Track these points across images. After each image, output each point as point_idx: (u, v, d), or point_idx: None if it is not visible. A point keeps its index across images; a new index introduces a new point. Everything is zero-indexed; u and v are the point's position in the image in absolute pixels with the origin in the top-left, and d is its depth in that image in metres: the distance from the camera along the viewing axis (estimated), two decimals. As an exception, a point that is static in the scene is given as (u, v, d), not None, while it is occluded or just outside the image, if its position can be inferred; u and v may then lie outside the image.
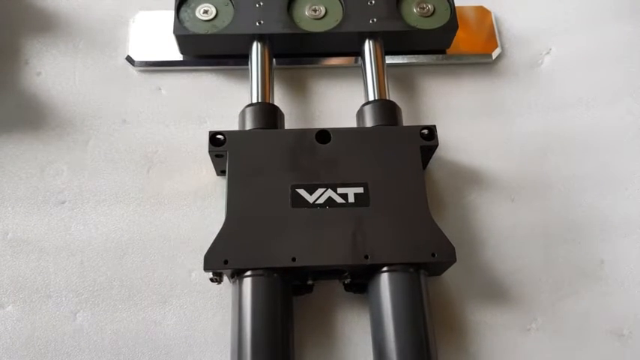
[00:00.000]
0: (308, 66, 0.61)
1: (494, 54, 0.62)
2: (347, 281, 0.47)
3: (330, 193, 0.47)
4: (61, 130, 0.57)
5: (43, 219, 0.52)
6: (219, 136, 0.50)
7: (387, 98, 0.54)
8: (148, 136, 0.57)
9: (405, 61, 0.61)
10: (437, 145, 0.50)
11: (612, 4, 0.66)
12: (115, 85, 0.60)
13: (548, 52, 0.63)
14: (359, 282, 0.48)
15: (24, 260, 0.51)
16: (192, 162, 0.55)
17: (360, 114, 0.54)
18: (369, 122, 0.52)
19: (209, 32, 0.56)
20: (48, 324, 0.48)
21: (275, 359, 0.42)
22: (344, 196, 0.47)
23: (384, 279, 0.45)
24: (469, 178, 0.56)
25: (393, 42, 0.58)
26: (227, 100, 0.59)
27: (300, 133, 0.51)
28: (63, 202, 0.53)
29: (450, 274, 0.50)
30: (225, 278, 0.48)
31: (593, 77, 0.62)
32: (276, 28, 0.56)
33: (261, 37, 0.57)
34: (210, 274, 0.45)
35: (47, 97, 0.59)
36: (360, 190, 0.48)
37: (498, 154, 0.57)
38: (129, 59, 0.60)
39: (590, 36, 0.64)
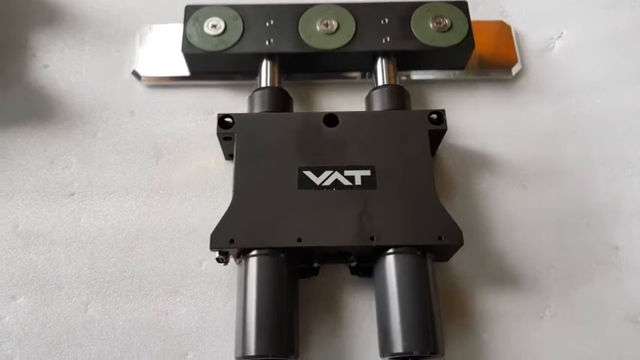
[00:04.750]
0: (318, 82, 0.60)
1: (513, 70, 0.60)
2: (353, 264, 0.47)
3: (337, 175, 0.47)
4: (69, 122, 0.57)
5: (52, 211, 0.53)
6: (227, 119, 0.50)
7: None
8: (156, 127, 0.57)
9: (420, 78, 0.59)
10: (445, 130, 0.50)
11: (625, -13, 0.65)
12: (123, 77, 0.59)
13: (560, 36, 0.63)
14: (365, 265, 0.48)
15: (35, 252, 0.51)
16: (201, 152, 0.55)
17: (368, 98, 0.54)
18: (377, 107, 0.52)
19: (218, 48, 0.55)
20: (60, 315, 0.48)
21: (279, 338, 0.42)
22: (351, 178, 0.47)
23: (390, 261, 0.45)
24: (480, 165, 0.55)
25: (406, 60, 0.56)
26: (235, 90, 0.58)
27: (308, 116, 0.51)
28: (72, 194, 0.53)
29: (463, 262, 0.50)
30: (232, 262, 0.48)
31: (606, 61, 0.61)
32: (287, 47, 0.55)
33: (270, 56, 0.56)
34: (217, 254, 0.45)
35: (55, 89, 0.59)
36: (367, 172, 0.47)
37: (510, 141, 0.56)
38: (135, 74, 0.59)
39: (602, 19, 0.63)
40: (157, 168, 0.55)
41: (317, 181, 0.47)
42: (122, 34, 0.62)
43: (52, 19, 0.63)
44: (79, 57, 0.61)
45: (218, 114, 0.50)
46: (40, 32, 0.62)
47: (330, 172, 0.48)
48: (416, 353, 0.42)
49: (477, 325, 0.48)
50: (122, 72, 0.60)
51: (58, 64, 0.60)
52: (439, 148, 0.54)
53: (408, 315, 0.43)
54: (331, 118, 0.50)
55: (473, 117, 0.58)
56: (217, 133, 0.50)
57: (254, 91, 0.53)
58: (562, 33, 0.63)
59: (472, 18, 0.57)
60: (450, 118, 0.54)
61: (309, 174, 0.47)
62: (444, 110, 0.50)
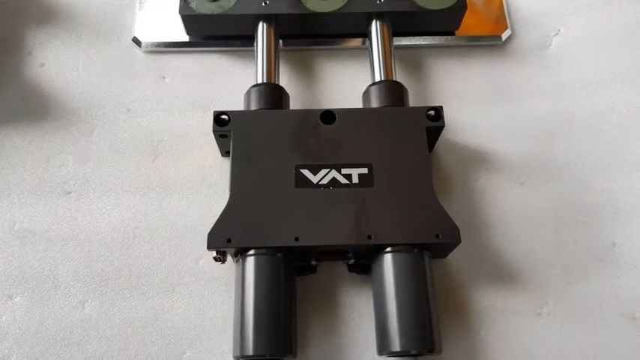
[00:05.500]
0: (314, 47, 0.61)
1: (504, 36, 0.61)
2: (351, 262, 0.47)
3: (334, 173, 0.47)
4: (65, 120, 0.57)
5: (49, 209, 0.52)
6: (223, 116, 0.50)
7: (394, 79, 0.53)
8: (152, 125, 0.57)
9: (413, 43, 0.60)
10: (443, 127, 0.50)
11: (622, -16, 0.65)
12: (119, 75, 0.59)
13: (556, 34, 0.62)
14: (363, 263, 0.48)
15: (31, 251, 0.51)
16: (198, 150, 0.55)
17: (365, 95, 0.54)
18: (374, 103, 0.52)
19: (215, 12, 0.56)
20: (56, 314, 0.48)
21: (277, 338, 0.42)
22: (348, 176, 0.47)
23: (388, 259, 0.45)
24: (478, 162, 0.55)
25: (400, 23, 0.58)
26: (232, 86, 0.58)
27: (305, 114, 0.51)
28: (69, 193, 0.53)
29: (460, 259, 0.50)
30: (230, 259, 0.48)
31: (603, 58, 0.61)
32: (282, 8, 0.56)
33: (267, 18, 0.57)
34: (214, 253, 0.45)
35: (51, 87, 0.58)
36: (365, 170, 0.47)
37: (507, 138, 0.56)
38: (135, 41, 0.60)
39: (599, 16, 0.63)
40: (154, 166, 0.55)
41: (314, 179, 0.47)
42: (118, 32, 0.62)
43: (48, 17, 0.62)
44: (75, 55, 0.60)
45: (214, 111, 0.50)
46: (36, 30, 0.62)
47: (328, 170, 0.47)
48: (413, 351, 0.42)
49: (474, 321, 0.48)
50: (118, 70, 0.59)
51: (54, 62, 0.60)
52: (437, 144, 0.54)
53: (405, 313, 0.43)
54: (328, 115, 0.50)
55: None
56: (213, 131, 0.50)
57: (250, 87, 0.53)
58: (559, 30, 0.63)
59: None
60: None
61: (306, 172, 0.47)
62: (441, 107, 0.50)
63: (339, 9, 0.56)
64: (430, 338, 0.42)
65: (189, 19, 0.57)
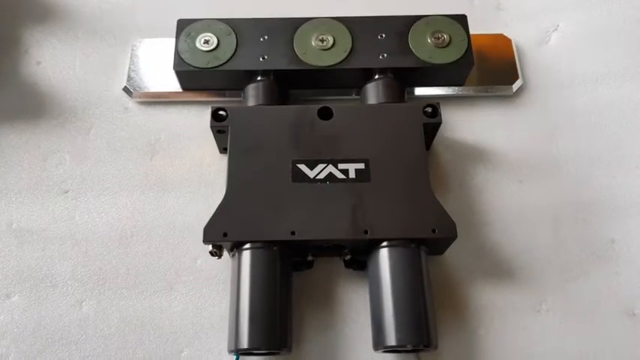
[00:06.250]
0: (314, 98, 0.57)
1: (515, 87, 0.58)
2: (347, 258, 0.47)
3: (330, 168, 0.47)
4: (62, 119, 0.57)
5: (47, 209, 0.52)
6: (221, 112, 0.50)
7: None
8: (150, 124, 0.56)
9: (422, 94, 0.57)
10: (440, 123, 0.50)
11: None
12: (116, 73, 0.59)
13: (555, 29, 0.62)
14: (359, 259, 0.48)
15: (29, 250, 0.51)
16: (196, 148, 0.55)
17: (363, 92, 0.54)
18: (372, 100, 0.52)
19: (210, 65, 0.53)
20: (54, 313, 0.48)
21: (272, 331, 0.42)
22: (345, 171, 0.47)
23: (384, 254, 0.45)
24: (476, 159, 0.55)
25: (403, 77, 0.54)
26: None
27: (303, 109, 0.50)
28: (66, 192, 0.53)
29: (459, 256, 0.50)
30: (228, 259, 0.48)
31: (602, 54, 0.61)
32: (281, 63, 0.53)
33: (265, 73, 0.54)
34: (210, 247, 0.45)
35: (48, 86, 0.58)
36: (361, 166, 0.47)
37: (505, 135, 0.56)
38: (126, 90, 0.57)
39: (598, 12, 0.63)
40: (151, 164, 0.54)
41: (311, 174, 0.47)
42: (115, 29, 0.61)
43: (44, 15, 0.62)
44: (72, 53, 0.60)
45: (212, 107, 0.50)
46: (33, 29, 0.61)
47: (324, 165, 0.47)
48: (409, 346, 0.42)
49: (473, 319, 0.48)
50: (115, 67, 0.59)
51: (51, 60, 0.60)
52: (435, 141, 0.54)
53: (401, 308, 0.43)
54: (325, 111, 0.50)
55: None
56: (211, 126, 0.50)
57: (249, 84, 0.53)
58: (558, 26, 0.62)
59: (467, 13, 0.56)
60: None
61: (303, 167, 0.47)
62: (438, 103, 0.50)
63: (340, 63, 0.53)
64: (426, 333, 0.42)
65: (184, 75, 0.55)
